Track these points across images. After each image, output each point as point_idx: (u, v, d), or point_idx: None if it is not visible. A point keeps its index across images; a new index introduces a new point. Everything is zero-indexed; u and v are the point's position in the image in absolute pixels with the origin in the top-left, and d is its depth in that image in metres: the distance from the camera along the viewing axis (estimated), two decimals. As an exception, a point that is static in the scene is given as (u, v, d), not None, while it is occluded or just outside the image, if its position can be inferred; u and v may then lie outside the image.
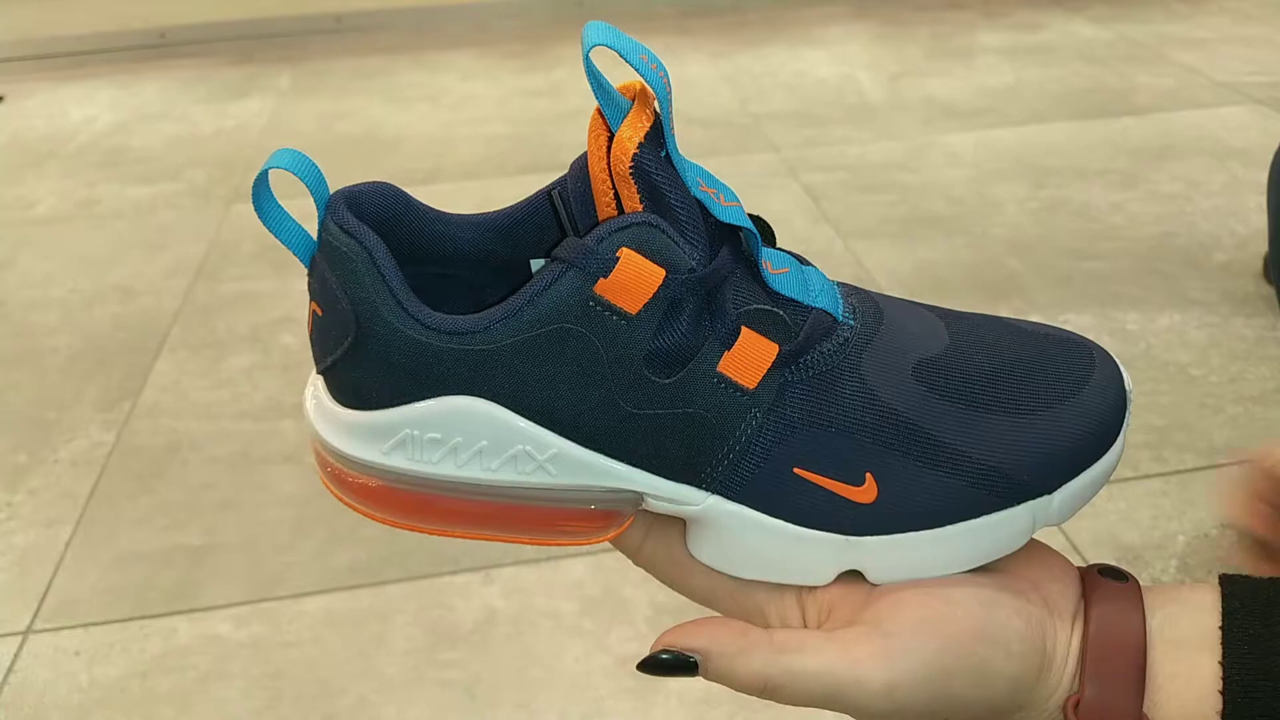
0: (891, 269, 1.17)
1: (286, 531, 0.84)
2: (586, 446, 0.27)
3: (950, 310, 0.30)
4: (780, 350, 0.26)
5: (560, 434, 0.26)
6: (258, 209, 0.26)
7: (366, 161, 1.57)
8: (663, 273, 0.25)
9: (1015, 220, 1.28)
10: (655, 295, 0.25)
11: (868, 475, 0.27)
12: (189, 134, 1.73)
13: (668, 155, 0.26)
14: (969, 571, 0.28)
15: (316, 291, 0.27)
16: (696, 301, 0.26)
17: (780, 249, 0.28)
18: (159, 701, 0.70)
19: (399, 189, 0.28)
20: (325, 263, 0.26)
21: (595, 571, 0.79)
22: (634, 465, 0.27)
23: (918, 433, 0.27)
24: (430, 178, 1.50)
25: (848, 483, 0.27)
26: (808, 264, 0.29)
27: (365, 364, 0.26)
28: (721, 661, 0.26)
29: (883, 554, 0.27)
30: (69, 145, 1.70)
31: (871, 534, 0.27)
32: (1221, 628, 0.25)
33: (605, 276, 0.25)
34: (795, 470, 0.27)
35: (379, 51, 2.11)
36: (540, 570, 0.79)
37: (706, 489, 0.27)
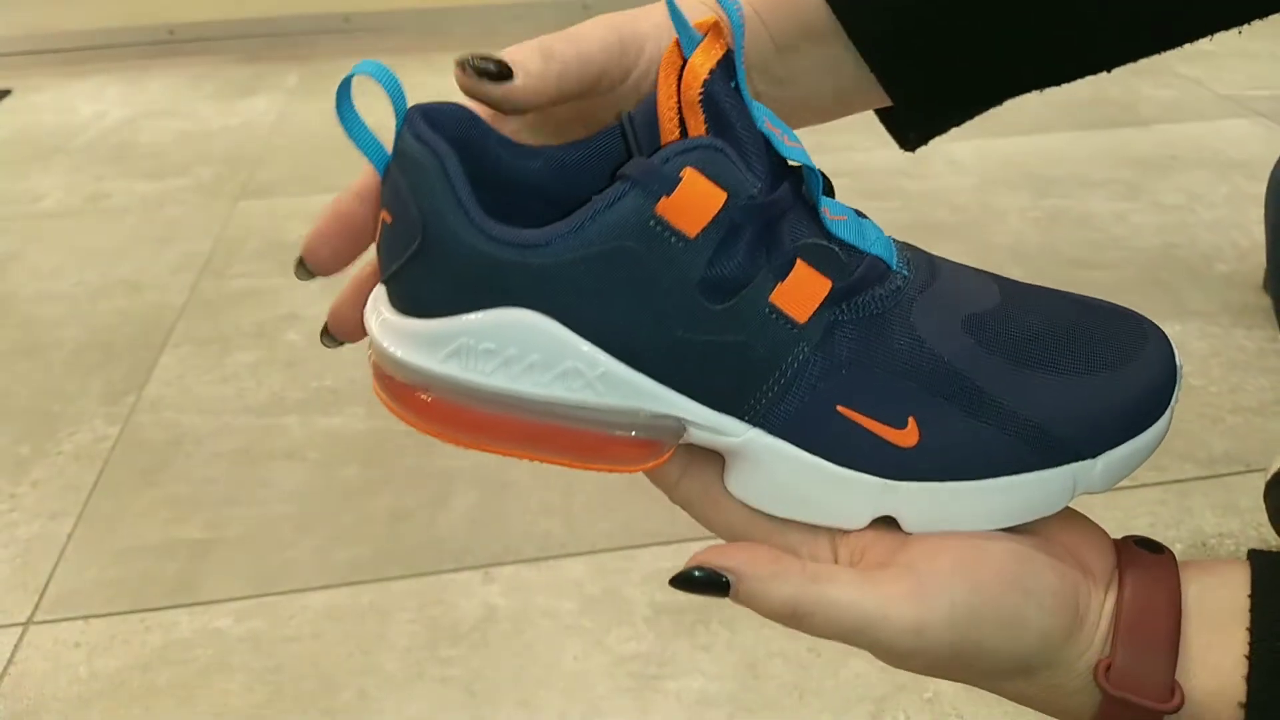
0: (894, 275, 1.18)
1: (289, 527, 0.85)
2: (635, 368, 0.27)
3: (1003, 277, 0.31)
4: (833, 287, 0.26)
5: (611, 353, 0.27)
6: (340, 115, 0.28)
7: (372, 161, 1.57)
8: (724, 196, 0.25)
9: (1017, 229, 1.28)
10: (715, 219, 0.25)
11: (910, 420, 0.27)
12: (197, 130, 1.73)
13: (737, 87, 0.26)
14: (1005, 530, 0.28)
15: (388, 199, 0.28)
16: (755, 230, 0.26)
17: (838, 202, 0.29)
18: (159, 694, 0.70)
19: (475, 113, 0.29)
20: (398, 170, 0.28)
21: (595, 571, 0.79)
22: (680, 391, 0.27)
23: (965, 383, 0.27)
24: (436, 178, 1.50)
25: (890, 424, 0.27)
26: (865, 217, 0.29)
27: (428, 271, 0.27)
28: (754, 584, 0.26)
29: (919, 501, 0.27)
30: (77, 140, 1.71)
31: (910, 479, 0.27)
32: (1251, 596, 0.25)
33: (668, 195, 0.25)
34: (838, 408, 0.27)
35: (387, 52, 2.12)
36: (540, 569, 0.80)
37: (749, 421, 0.27)
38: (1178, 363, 0.29)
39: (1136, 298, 1.12)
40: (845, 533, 0.28)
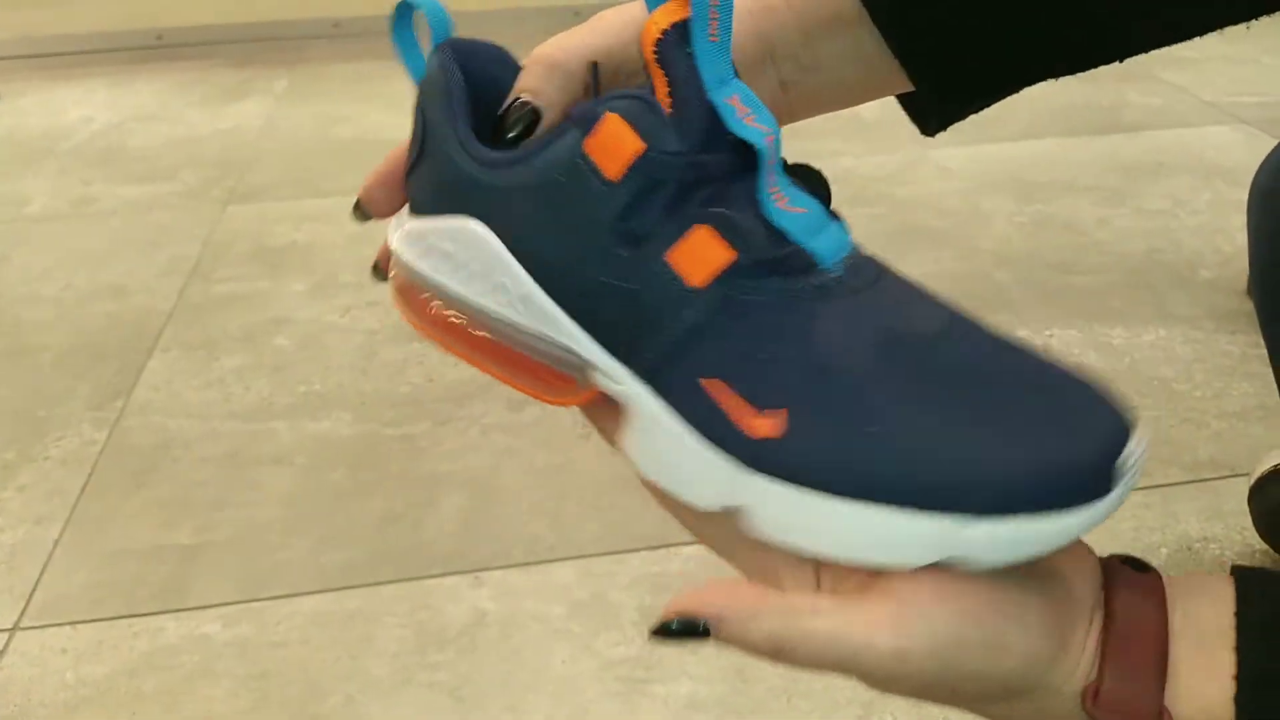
0: (882, 281, 1.18)
1: (277, 532, 0.85)
2: (550, 295, 0.28)
3: (971, 317, 0.29)
4: (737, 261, 0.26)
5: (533, 276, 0.29)
6: (394, 35, 0.32)
7: (362, 165, 1.56)
8: (642, 146, 0.26)
9: (1004, 234, 1.29)
10: (633, 167, 0.27)
11: (783, 412, 0.26)
12: (185, 135, 1.73)
13: (692, 53, 0.26)
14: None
15: (414, 112, 0.32)
16: (675, 189, 0.27)
17: (822, 205, 0.29)
18: (145, 700, 0.70)
19: (505, 53, 0.33)
20: (420, 89, 0.31)
21: (584, 576, 0.79)
22: (584, 328, 0.28)
23: (852, 392, 0.26)
24: (425, 183, 1.50)
25: (755, 410, 0.26)
26: (838, 219, 0.29)
27: (422, 176, 0.31)
28: (735, 625, 0.26)
29: (771, 502, 0.26)
30: (65, 144, 1.71)
31: (764, 473, 0.26)
32: (1235, 615, 0.25)
33: (590, 135, 0.27)
34: (715, 381, 0.27)
35: (377, 57, 2.12)
36: (529, 574, 0.80)
37: (637, 374, 0.28)
38: (1130, 455, 0.25)
39: (1121, 302, 1.13)
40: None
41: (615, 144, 0.26)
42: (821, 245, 0.28)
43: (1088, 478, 0.25)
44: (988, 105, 0.39)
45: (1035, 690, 0.26)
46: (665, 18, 0.26)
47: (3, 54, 2.14)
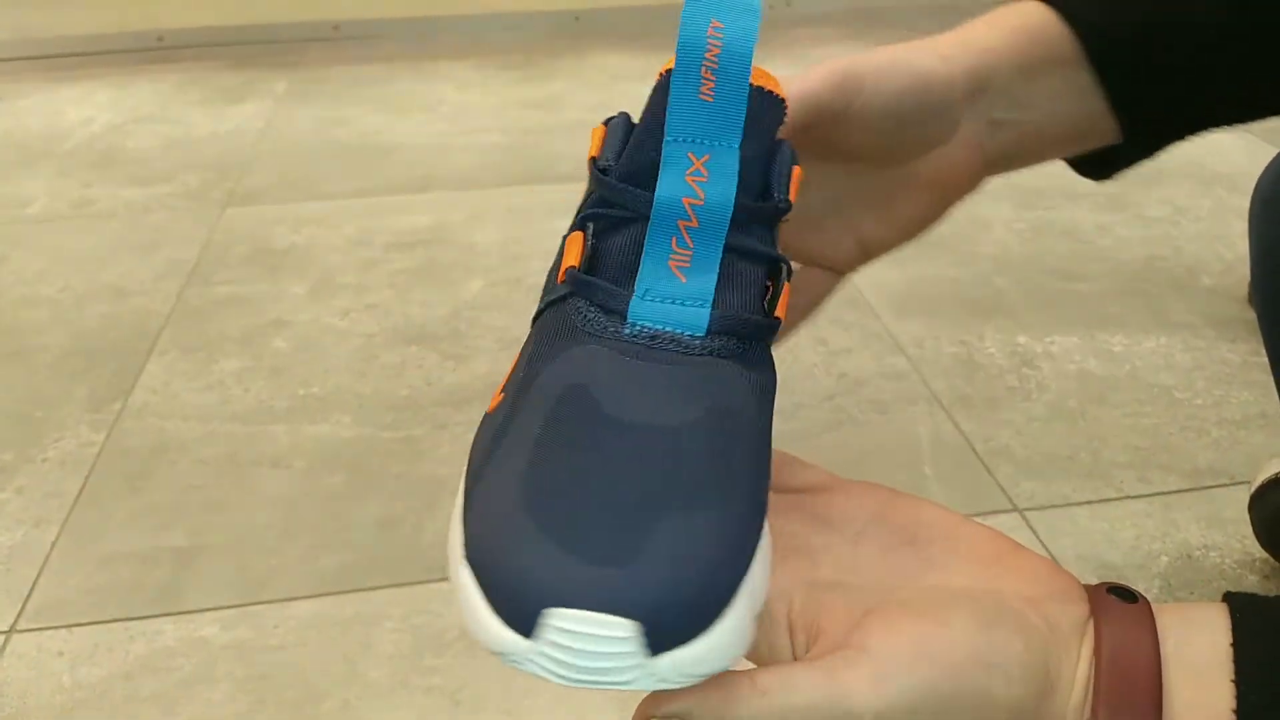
0: (880, 283, 1.18)
1: (274, 535, 0.84)
2: None
3: (727, 425, 0.26)
4: (576, 269, 0.29)
5: None
6: None
7: (361, 168, 1.57)
8: (597, 152, 0.31)
9: (1003, 240, 1.29)
10: (589, 163, 0.31)
11: (502, 395, 0.29)
12: (184, 137, 1.73)
13: (669, 101, 0.28)
14: (965, 588, 0.27)
15: None
16: (597, 198, 0.30)
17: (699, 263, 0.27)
18: (142, 703, 0.70)
19: None
20: None
21: (582, 581, 0.79)
22: None
23: (506, 424, 0.27)
24: (424, 185, 1.50)
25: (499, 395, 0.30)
26: (708, 304, 0.28)
27: None
28: (709, 718, 0.25)
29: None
30: (64, 145, 1.70)
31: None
32: (1233, 645, 0.25)
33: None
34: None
35: (377, 60, 2.12)
36: (527, 578, 0.79)
37: None
38: (567, 619, 0.21)
39: (1121, 309, 1.13)
40: (800, 612, 0.27)
41: (594, 142, 0.31)
42: (648, 310, 0.27)
43: (512, 613, 0.23)
44: (1166, 149, 0.40)
45: None
46: (669, 64, 0.29)
47: (3, 55, 2.14)
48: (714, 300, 0.27)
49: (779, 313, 0.28)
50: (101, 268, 1.29)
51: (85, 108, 1.88)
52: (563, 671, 0.21)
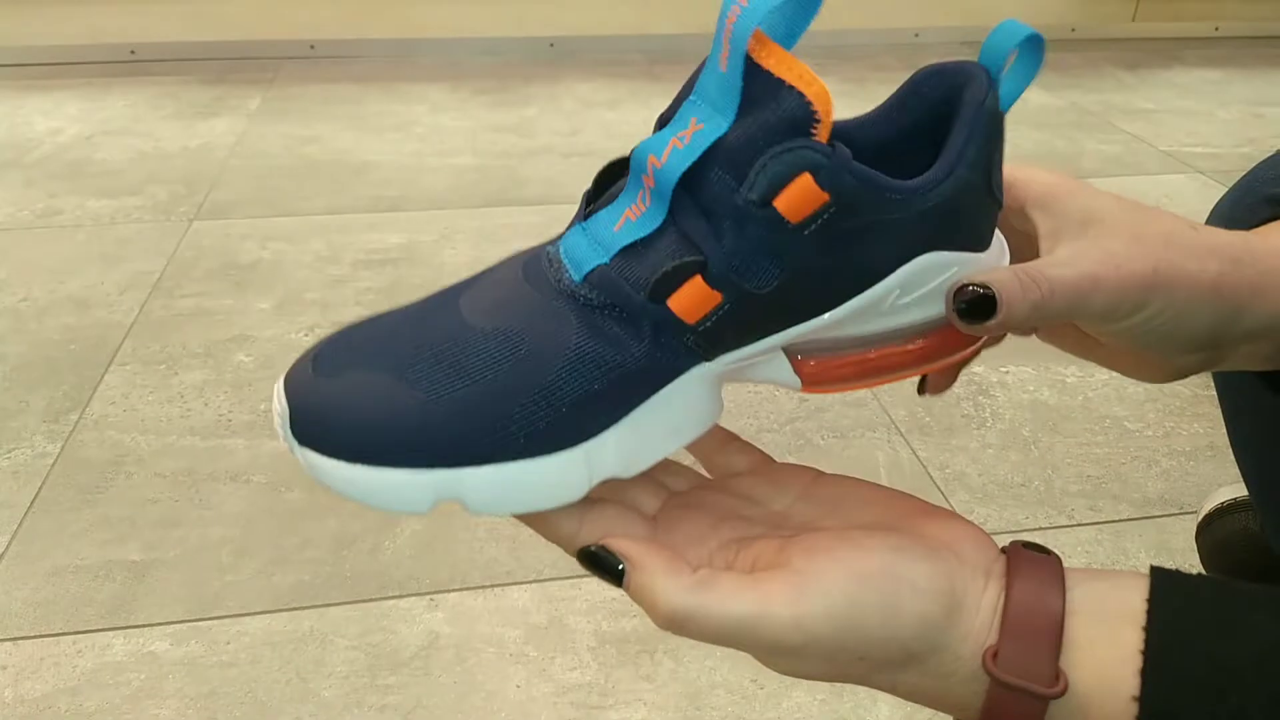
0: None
1: (229, 551, 0.83)
2: None
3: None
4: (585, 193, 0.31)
5: None
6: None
7: (333, 185, 1.57)
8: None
9: (966, 273, 1.31)
10: None
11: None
12: (154, 150, 1.72)
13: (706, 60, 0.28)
14: (883, 526, 0.29)
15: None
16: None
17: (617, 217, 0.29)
18: (88, 719, 0.69)
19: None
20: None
21: (540, 599, 0.79)
22: None
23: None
24: (396, 205, 1.50)
25: None
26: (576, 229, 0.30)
27: None
28: (644, 576, 0.28)
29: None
30: (31, 154, 1.69)
31: None
32: (1148, 600, 0.26)
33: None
34: None
35: (351, 79, 2.13)
36: (485, 597, 0.79)
37: None
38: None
39: (1078, 343, 1.15)
40: (736, 557, 0.29)
41: None
42: (571, 240, 0.30)
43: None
44: None
45: (935, 653, 0.27)
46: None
47: (-29, 63, 2.12)
48: (617, 256, 0.28)
49: (671, 304, 0.28)
50: (64, 278, 1.27)
51: (54, 118, 1.87)
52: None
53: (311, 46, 2.27)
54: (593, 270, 0.28)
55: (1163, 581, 0.27)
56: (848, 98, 2.04)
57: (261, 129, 1.83)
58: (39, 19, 2.17)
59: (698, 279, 0.27)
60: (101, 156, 1.69)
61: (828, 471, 0.34)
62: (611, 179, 0.31)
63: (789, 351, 0.31)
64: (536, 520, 0.31)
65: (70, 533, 0.85)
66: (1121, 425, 1.01)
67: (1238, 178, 0.62)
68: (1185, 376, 0.36)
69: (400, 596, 0.79)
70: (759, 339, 0.29)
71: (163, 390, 1.04)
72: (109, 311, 1.19)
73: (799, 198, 0.27)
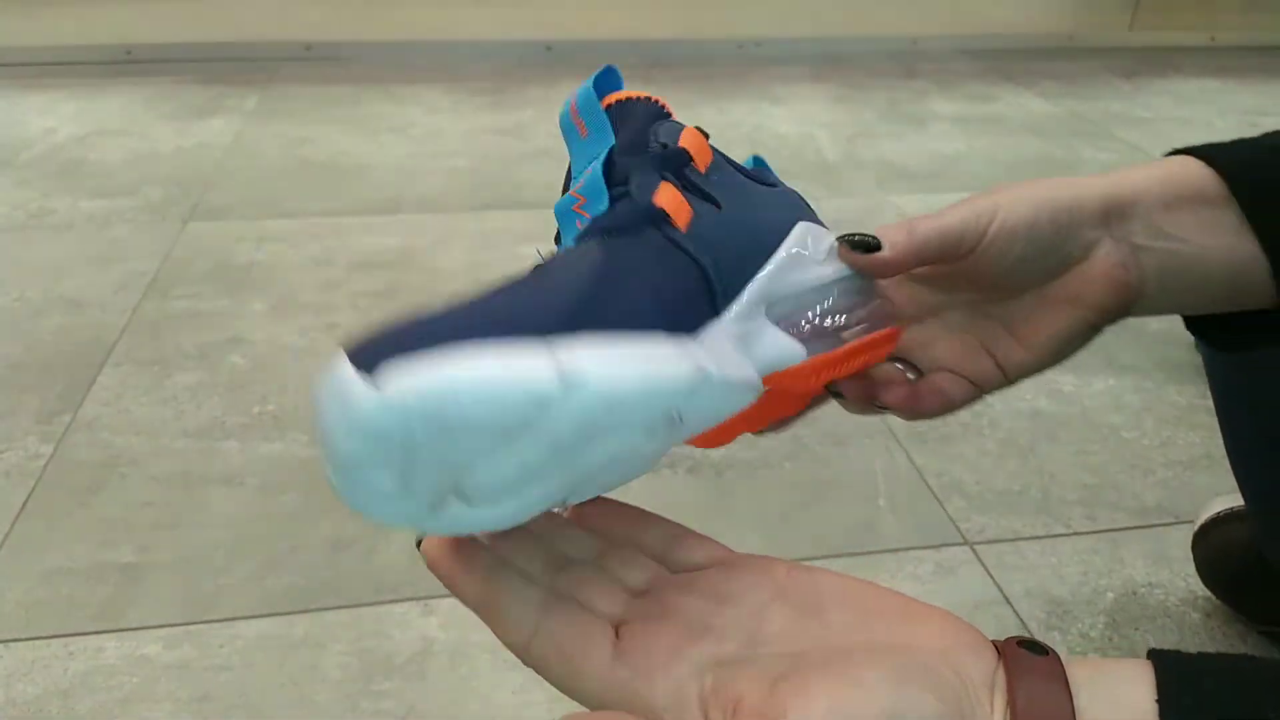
0: (842, 321, 1.20)
1: (223, 553, 0.83)
2: None
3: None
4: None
5: None
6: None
7: (328, 187, 1.57)
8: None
9: (963, 281, 1.32)
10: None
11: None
12: (149, 150, 1.71)
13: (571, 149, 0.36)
14: (874, 645, 0.27)
15: None
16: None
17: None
18: (79, 722, 0.68)
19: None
20: None
21: (536, 605, 0.78)
22: None
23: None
24: (391, 207, 1.50)
25: None
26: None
27: None
28: None
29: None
30: (25, 154, 1.68)
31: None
32: (1158, 701, 0.25)
33: None
34: None
35: (347, 81, 2.12)
36: (480, 602, 0.79)
37: None
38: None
39: (1074, 351, 1.15)
40: (713, 689, 0.27)
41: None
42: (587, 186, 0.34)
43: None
44: None
45: None
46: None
47: (-35, 62, 2.11)
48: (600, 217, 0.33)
49: (658, 201, 0.32)
50: (58, 279, 1.27)
51: (49, 118, 1.86)
52: None
53: (308, 48, 2.27)
54: (596, 215, 0.33)
55: (1169, 673, 0.26)
56: (846, 103, 2.05)
57: (257, 130, 1.82)
58: (34, 18, 2.16)
59: (668, 185, 0.33)
60: (96, 157, 1.68)
61: (786, 560, 0.32)
62: None
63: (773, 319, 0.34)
64: (491, 616, 0.29)
65: (63, 535, 0.84)
66: (1119, 434, 1.01)
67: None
68: (1066, 344, 0.40)
69: (395, 601, 0.78)
70: (740, 282, 0.33)
71: (156, 392, 1.04)
72: (102, 312, 1.19)
73: (688, 140, 0.35)
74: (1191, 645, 0.76)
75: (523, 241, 1.38)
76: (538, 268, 0.30)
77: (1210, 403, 0.66)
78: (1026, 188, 0.37)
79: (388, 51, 2.29)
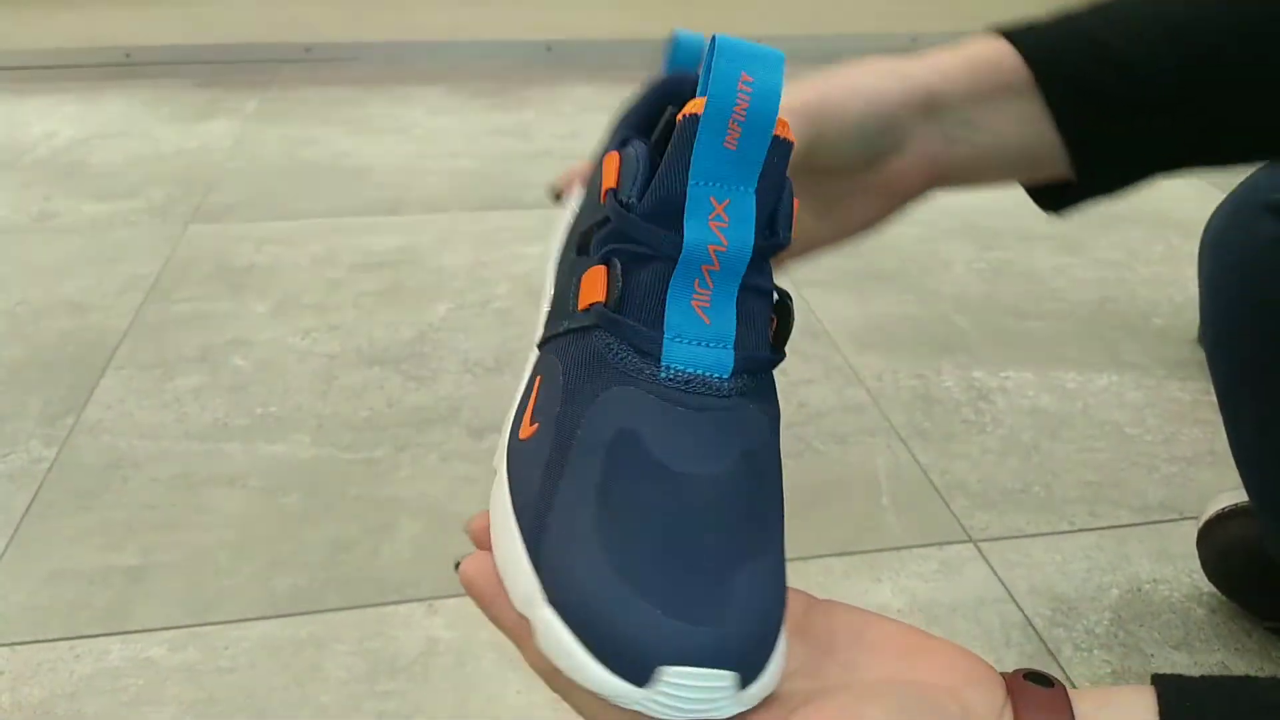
0: (841, 318, 1.20)
1: (227, 555, 0.83)
2: None
3: (758, 470, 0.29)
4: (604, 303, 0.29)
5: None
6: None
7: (330, 188, 1.57)
8: (614, 185, 0.30)
9: (963, 279, 1.32)
10: (606, 194, 0.31)
11: (537, 425, 0.30)
12: (151, 153, 1.72)
13: (695, 146, 0.28)
14: (882, 680, 0.27)
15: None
16: (611, 229, 0.30)
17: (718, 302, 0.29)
18: (84, 724, 0.68)
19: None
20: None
21: (540, 606, 0.78)
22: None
23: (556, 454, 0.28)
24: (393, 208, 1.50)
25: (532, 415, 0.30)
26: (725, 343, 0.29)
27: None
28: None
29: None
30: (27, 157, 1.68)
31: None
32: None
33: (605, 156, 0.33)
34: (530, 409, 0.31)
35: (348, 82, 2.12)
36: (484, 602, 0.79)
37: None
38: (682, 676, 0.24)
39: (1075, 348, 1.15)
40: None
41: (607, 172, 0.31)
42: (679, 353, 0.28)
43: (626, 668, 0.24)
44: (1123, 192, 0.42)
45: None
46: (694, 107, 0.28)
47: (-34, 65, 2.11)
48: (734, 341, 0.29)
49: (777, 343, 0.30)
50: (60, 281, 1.27)
51: (50, 120, 1.86)
52: (672, 712, 0.24)
53: (308, 49, 2.27)
54: (736, 360, 0.28)
55: (1173, 700, 0.26)
56: (845, 102, 2.04)
57: (258, 132, 1.82)
58: (35, 22, 2.16)
59: (790, 313, 0.31)
60: (97, 159, 1.68)
61: (803, 593, 0.32)
62: None
63: None
64: (526, 643, 0.29)
65: (67, 537, 0.85)
66: (1122, 431, 1.01)
67: (1236, 185, 0.62)
68: (874, 224, 0.42)
69: (399, 602, 0.78)
70: None
71: (159, 394, 1.04)
72: (105, 315, 1.19)
73: (796, 223, 0.35)
74: (1196, 641, 0.76)
75: (525, 241, 1.38)
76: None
77: (1213, 399, 0.66)
78: (855, 77, 0.38)
79: (388, 52, 2.29)
